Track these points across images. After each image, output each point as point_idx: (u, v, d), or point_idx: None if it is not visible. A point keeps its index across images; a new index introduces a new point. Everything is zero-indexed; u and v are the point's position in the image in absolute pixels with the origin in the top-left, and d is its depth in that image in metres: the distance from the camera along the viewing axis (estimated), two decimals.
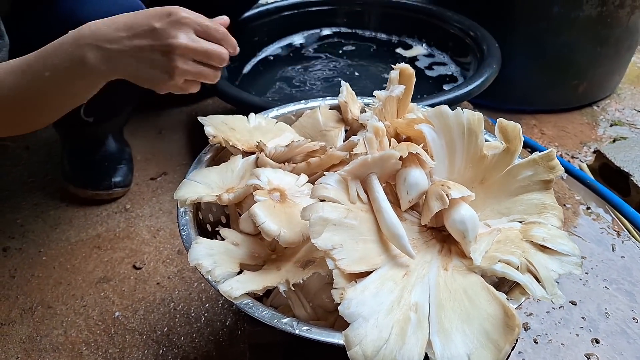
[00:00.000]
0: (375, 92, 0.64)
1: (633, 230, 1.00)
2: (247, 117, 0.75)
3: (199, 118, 0.68)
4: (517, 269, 0.48)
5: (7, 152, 1.21)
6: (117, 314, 0.80)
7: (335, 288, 0.44)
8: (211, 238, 0.62)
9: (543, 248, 0.50)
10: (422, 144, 0.57)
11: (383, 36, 1.44)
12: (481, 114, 0.54)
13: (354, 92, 0.76)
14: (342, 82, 0.76)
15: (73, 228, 0.98)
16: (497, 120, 0.56)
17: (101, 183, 1.03)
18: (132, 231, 0.97)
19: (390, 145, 0.58)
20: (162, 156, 1.19)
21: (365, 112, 0.70)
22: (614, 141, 1.32)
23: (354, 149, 0.58)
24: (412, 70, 0.64)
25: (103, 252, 0.92)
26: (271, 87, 1.30)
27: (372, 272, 0.46)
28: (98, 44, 0.62)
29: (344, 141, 0.72)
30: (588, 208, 1.00)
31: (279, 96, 1.25)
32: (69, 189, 1.04)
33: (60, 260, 0.91)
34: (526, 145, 1.28)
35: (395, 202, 0.54)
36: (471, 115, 0.54)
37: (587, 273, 0.85)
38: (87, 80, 0.66)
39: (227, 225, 0.68)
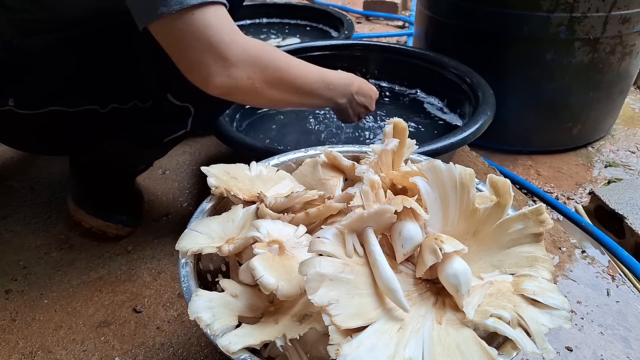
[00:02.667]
0: (371, 146, 0.67)
1: (629, 274, 1.01)
2: (249, 165, 0.77)
3: (202, 168, 0.70)
4: (509, 323, 0.49)
5: (12, 193, 1.24)
6: (117, 359, 0.81)
7: (331, 344, 0.45)
8: (211, 287, 0.64)
9: (534, 302, 0.52)
10: (416, 195, 0.59)
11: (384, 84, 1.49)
12: (472, 169, 0.56)
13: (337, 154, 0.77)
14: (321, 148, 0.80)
15: (75, 270, 0.99)
16: (488, 176, 0.58)
17: (113, 217, 1.05)
18: (133, 274, 0.98)
19: (386, 197, 0.60)
20: (164, 197, 1.21)
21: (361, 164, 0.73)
22: (608, 183, 1.34)
23: (351, 201, 0.60)
24: (405, 124, 0.67)
25: (104, 295, 0.93)
26: (270, 132, 1.33)
27: (367, 326, 0.48)
28: (354, 96, 0.99)
29: (342, 190, 0.74)
30: (583, 252, 1.01)
31: (277, 140, 1.28)
32: (77, 215, 1.06)
33: (62, 303, 0.92)
34: (522, 187, 1.31)
35: (390, 254, 0.56)
36: (463, 171, 0.57)
37: (582, 318, 0.85)
38: (328, 104, 0.98)
39: (226, 273, 0.69)
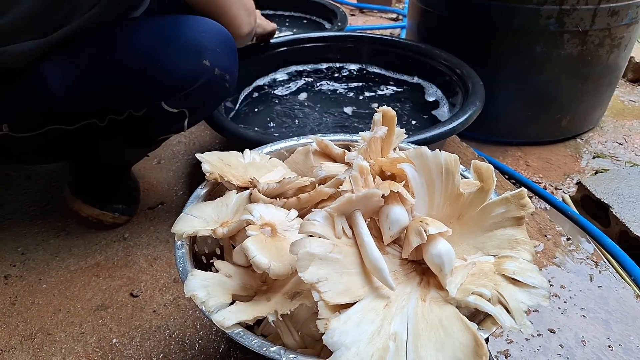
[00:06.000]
0: (361, 133, 0.69)
1: (613, 261, 1.04)
2: (242, 152, 0.79)
3: (197, 155, 0.72)
4: (489, 300, 0.52)
5: (9, 182, 1.25)
6: (114, 340, 0.83)
7: (320, 319, 0.47)
8: (206, 269, 0.66)
9: (514, 281, 0.54)
10: (403, 181, 0.62)
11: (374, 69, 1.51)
12: (457, 155, 0.58)
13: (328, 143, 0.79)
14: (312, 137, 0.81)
15: (73, 256, 1.01)
16: (472, 161, 0.60)
17: (110, 205, 1.07)
18: (129, 259, 1.00)
19: (375, 183, 0.62)
20: (160, 186, 1.23)
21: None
22: (595, 173, 1.37)
23: (340, 186, 0.63)
24: (393, 113, 0.69)
25: (102, 280, 0.95)
26: (265, 121, 1.35)
27: (355, 303, 0.50)
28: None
29: None
30: (568, 239, 1.04)
31: (272, 128, 1.31)
32: (75, 205, 1.07)
33: (60, 288, 0.94)
34: (512, 177, 1.33)
35: (378, 237, 0.58)
36: (448, 157, 0.59)
37: (565, 302, 0.88)
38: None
39: (221, 256, 0.71)
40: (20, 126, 0.83)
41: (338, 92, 1.46)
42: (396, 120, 0.70)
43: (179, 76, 0.84)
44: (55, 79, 0.80)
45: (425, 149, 0.60)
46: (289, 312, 0.52)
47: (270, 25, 1.36)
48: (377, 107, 0.70)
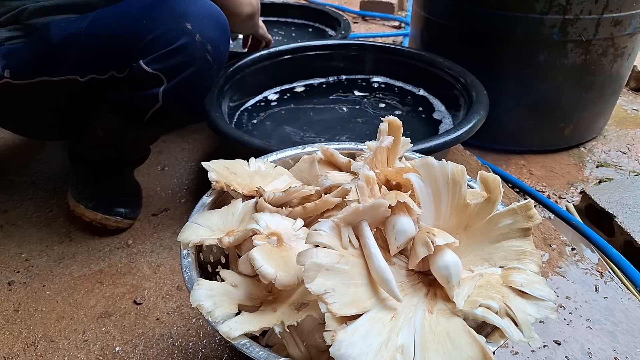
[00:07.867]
0: (367, 143, 0.69)
1: (618, 271, 1.03)
2: (248, 161, 0.79)
3: (203, 164, 0.72)
4: (497, 313, 0.51)
5: (13, 187, 1.25)
6: (117, 349, 0.83)
7: (327, 330, 0.47)
8: (211, 278, 0.66)
9: (521, 293, 0.54)
10: (410, 191, 0.61)
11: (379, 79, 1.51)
12: (463, 166, 0.58)
13: (333, 151, 0.79)
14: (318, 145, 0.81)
15: (76, 263, 1.01)
16: (479, 172, 0.60)
17: (112, 209, 1.08)
18: (133, 267, 1.00)
19: (380, 192, 0.62)
20: (163, 192, 1.23)
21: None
22: (599, 182, 1.37)
23: (347, 196, 0.62)
24: (399, 122, 0.69)
25: (105, 287, 0.95)
26: (269, 129, 1.35)
27: (362, 314, 0.50)
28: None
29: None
30: (573, 249, 1.04)
31: (276, 138, 1.31)
32: (77, 210, 1.08)
33: (64, 295, 0.94)
34: (515, 185, 1.33)
35: (384, 247, 0.58)
36: (455, 167, 0.59)
37: (571, 313, 0.88)
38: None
39: (226, 265, 0.71)
40: (19, 73, 0.92)
41: (341, 100, 1.46)
42: (402, 130, 0.70)
43: (160, 32, 0.89)
44: (56, 32, 0.91)
45: (431, 159, 0.60)
46: (295, 323, 0.51)
47: (269, 36, 1.44)
48: (383, 118, 0.70)
